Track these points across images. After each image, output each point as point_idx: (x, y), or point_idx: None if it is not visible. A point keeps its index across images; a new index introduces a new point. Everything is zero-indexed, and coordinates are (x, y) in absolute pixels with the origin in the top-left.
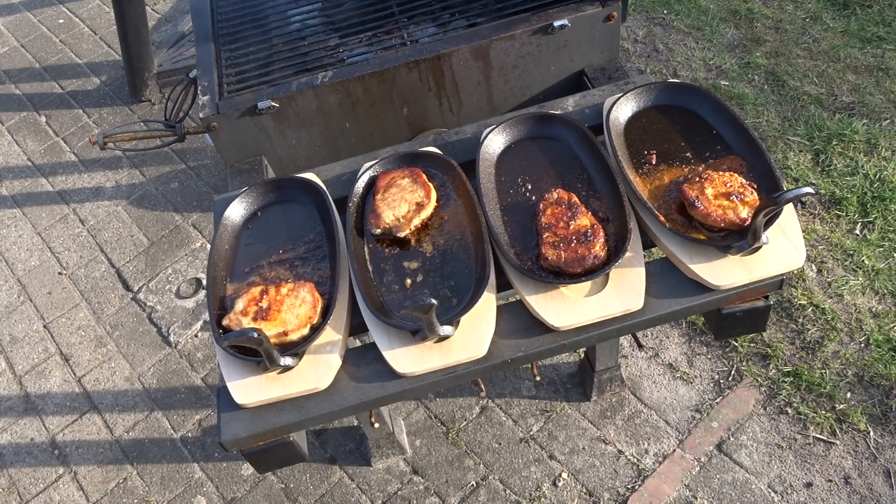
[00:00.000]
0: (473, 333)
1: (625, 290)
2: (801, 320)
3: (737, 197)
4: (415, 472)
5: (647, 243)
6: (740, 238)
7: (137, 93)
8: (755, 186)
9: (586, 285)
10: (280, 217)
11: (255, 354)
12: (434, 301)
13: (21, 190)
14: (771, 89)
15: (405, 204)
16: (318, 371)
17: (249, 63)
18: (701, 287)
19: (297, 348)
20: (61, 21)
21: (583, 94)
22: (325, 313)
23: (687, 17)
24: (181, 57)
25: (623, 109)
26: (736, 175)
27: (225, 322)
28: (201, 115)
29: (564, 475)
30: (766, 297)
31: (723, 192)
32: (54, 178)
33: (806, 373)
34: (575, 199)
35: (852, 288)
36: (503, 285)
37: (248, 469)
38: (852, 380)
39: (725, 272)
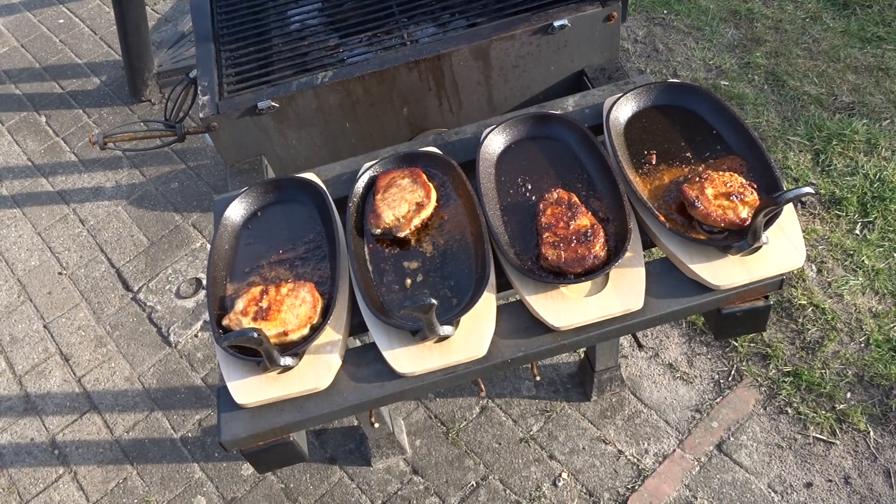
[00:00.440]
0: (473, 333)
1: (625, 290)
2: (801, 320)
3: (737, 197)
4: (415, 472)
5: (647, 243)
6: (740, 238)
7: (137, 93)
8: (755, 186)
9: (586, 285)
10: (280, 217)
11: (255, 354)
12: (434, 301)
13: (21, 190)
14: (771, 89)
15: (405, 204)
16: (318, 371)
17: (249, 63)
18: (701, 287)
19: (297, 348)
20: (61, 21)
21: (583, 94)
22: (325, 313)
23: (687, 17)
24: (181, 57)
25: (623, 109)
26: (736, 175)
27: (225, 322)
28: (201, 115)
29: (564, 475)
30: (766, 297)
31: (723, 192)
32: (54, 178)
33: (806, 373)
34: (575, 199)
35: (852, 288)
36: (503, 285)
37: (248, 469)
38: (852, 380)
39: (725, 272)
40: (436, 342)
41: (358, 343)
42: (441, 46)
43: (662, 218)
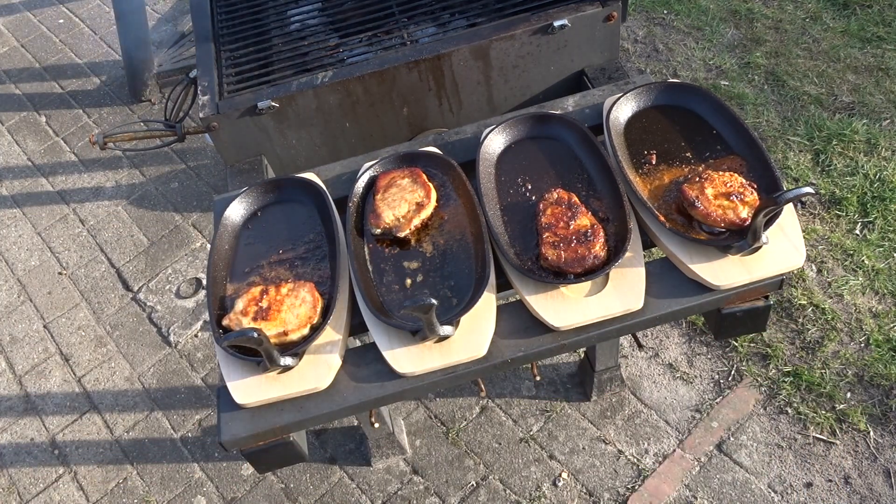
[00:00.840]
0: (473, 333)
1: (625, 290)
2: (801, 320)
3: (737, 197)
4: (415, 471)
5: (647, 243)
6: (740, 238)
7: (137, 93)
8: (755, 186)
9: (586, 285)
10: (280, 217)
11: (255, 354)
12: (434, 301)
13: (21, 190)
14: (771, 89)
15: (405, 204)
16: (318, 371)
17: (249, 63)
18: (701, 287)
19: (297, 348)
20: (61, 21)
21: (583, 94)
22: (325, 313)
23: (687, 17)
24: (181, 57)
25: (623, 109)
26: (736, 175)
27: (225, 322)
28: (201, 115)
29: (564, 475)
30: (766, 297)
31: (723, 192)
32: (54, 178)
33: (806, 373)
34: (575, 199)
35: (852, 288)
36: (503, 285)
37: (248, 469)
38: (852, 380)
39: (725, 272)
40: (436, 342)
41: (358, 343)
42: (441, 46)
43: (662, 218)
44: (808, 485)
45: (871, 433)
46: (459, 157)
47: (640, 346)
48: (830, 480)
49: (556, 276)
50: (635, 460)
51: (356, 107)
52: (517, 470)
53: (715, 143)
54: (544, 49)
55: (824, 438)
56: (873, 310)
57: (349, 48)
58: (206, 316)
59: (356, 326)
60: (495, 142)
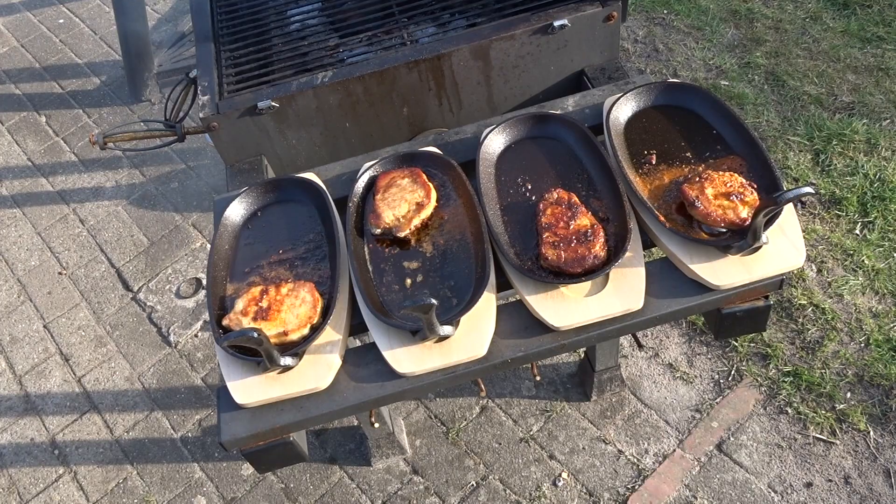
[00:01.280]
0: (473, 333)
1: (625, 290)
2: (801, 320)
3: (737, 197)
4: (415, 471)
5: (647, 243)
6: (740, 238)
7: (137, 93)
8: (755, 186)
9: (586, 285)
10: (280, 217)
11: (256, 354)
12: (434, 301)
13: (21, 190)
14: (771, 89)
15: (405, 204)
16: (318, 371)
17: (249, 63)
18: (701, 287)
19: (297, 348)
20: (61, 21)
21: (583, 94)
22: (325, 313)
23: (687, 17)
24: (181, 57)
25: (623, 109)
26: (736, 175)
27: (225, 322)
28: (201, 115)
29: (564, 475)
30: (766, 297)
31: (723, 192)
32: (54, 178)
33: (806, 373)
34: (575, 198)
35: (852, 288)
36: (503, 285)
37: (248, 469)
38: (852, 380)
39: (725, 272)
40: (436, 342)
41: (358, 343)
42: (441, 46)
43: (662, 218)
44: (808, 485)
45: (871, 433)
46: (459, 157)
47: (640, 346)
48: (830, 480)
49: (556, 275)
50: (635, 460)
51: (356, 107)
52: (517, 470)
53: (715, 143)
54: (544, 49)
55: (824, 438)
56: (873, 310)
57: (349, 48)
58: (206, 316)
59: (356, 326)
60: (495, 142)
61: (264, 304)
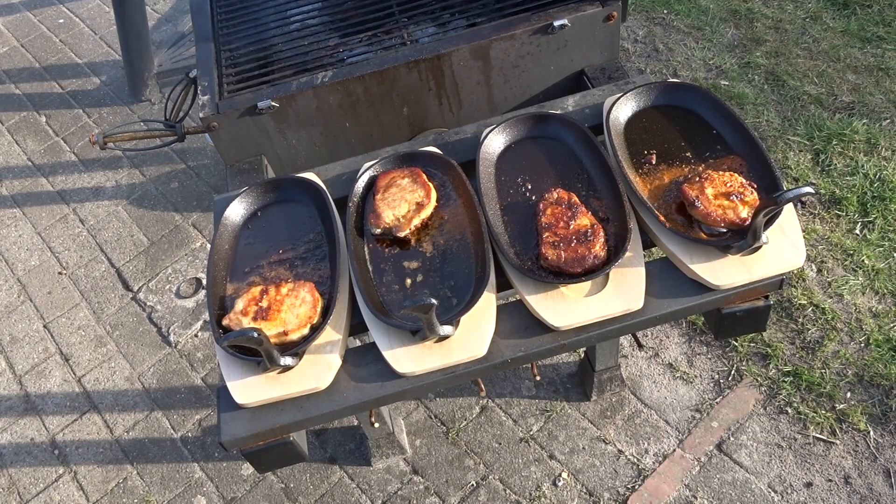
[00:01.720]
0: (473, 333)
1: (625, 290)
2: (801, 320)
3: (737, 197)
4: (415, 471)
5: (647, 243)
6: (740, 238)
7: (137, 93)
8: (755, 186)
9: (586, 285)
10: (280, 217)
11: (256, 354)
12: (434, 301)
13: (21, 190)
14: (771, 89)
15: (405, 204)
16: (318, 371)
17: (249, 63)
18: (701, 287)
19: (297, 348)
20: (61, 21)
21: (583, 94)
22: (325, 313)
23: (687, 17)
24: (181, 57)
25: (623, 109)
26: (736, 175)
27: (225, 322)
28: (201, 115)
29: (564, 475)
30: (766, 297)
31: (723, 192)
32: (54, 178)
33: (806, 372)
34: (575, 198)
35: (852, 288)
36: (503, 285)
37: (248, 469)
38: (852, 379)
39: (725, 272)
40: (436, 342)
41: (358, 343)
42: (441, 46)
43: (662, 218)
44: (808, 484)
45: (871, 433)
46: (459, 157)
47: (640, 345)
48: (830, 480)
49: (556, 275)
50: (635, 460)
51: (356, 107)
52: (517, 470)
53: (715, 142)
54: (544, 49)
55: (824, 438)
56: (873, 309)
57: (349, 48)
58: (206, 316)
59: (356, 326)
60: (495, 142)
61: (264, 303)
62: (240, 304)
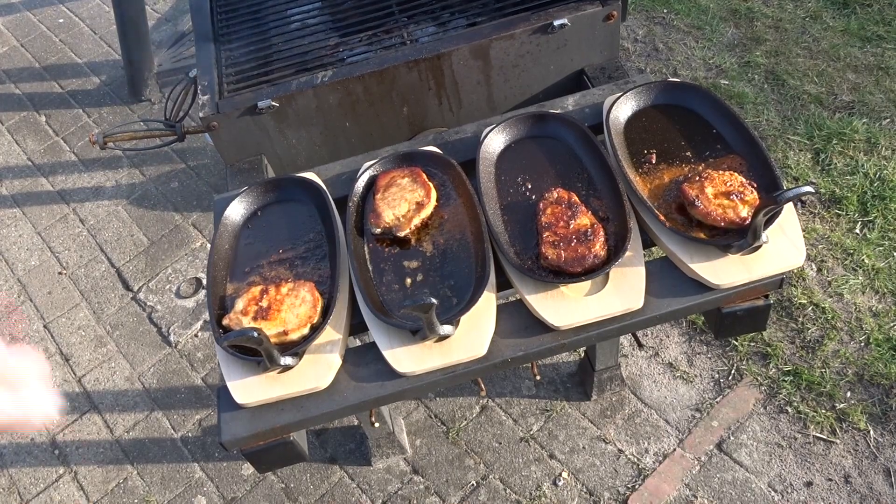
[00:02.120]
0: (473, 333)
1: (625, 290)
2: (801, 319)
3: (737, 196)
4: (415, 471)
5: (647, 242)
6: (740, 237)
7: (137, 92)
8: (755, 185)
9: (586, 284)
10: (280, 217)
11: (256, 354)
12: (434, 300)
13: (21, 189)
14: (771, 88)
15: (405, 203)
16: (318, 371)
17: (249, 62)
18: (701, 286)
19: (297, 348)
20: (61, 21)
21: (582, 94)
22: (325, 313)
23: (687, 17)
24: (181, 56)
25: (623, 109)
26: (736, 174)
27: (225, 322)
28: (201, 115)
29: (565, 474)
30: (766, 297)
31: (723, 192)
32: (54, 178)
33: (806, 372)
34: (575, 198)
35: (852, 287)
36: (503, 284)
37: (248, 469)
38: (852, 379)
39: (725, 271)
40: (436, 342)
41: (358, 343)
42: (441, 46)
43: (662, 217)
44: (809, 484)
45: (872, 432)
46: (459, 157)
47: (640, 345)
48: (830, 479)
49: (556, 275)
50: (635, 459)
51: (356, 106)
52: (517, 469)
53: (715, 142)
54: (544, 48)
55: (824, 437)
56: (873, 309)
57: (349, 47)
58: (207, 316)
59: (356, 326)
60: (495, 141)
61: (264, 303)
62: (240, 304)
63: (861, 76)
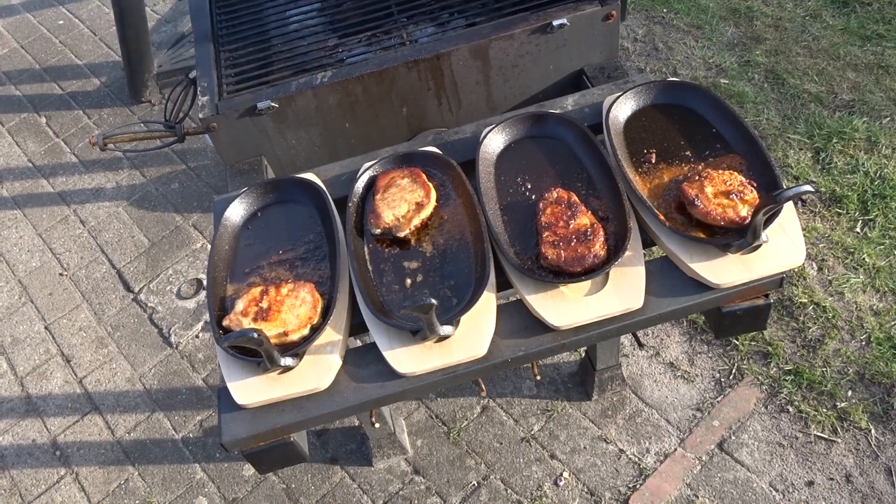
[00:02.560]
0: (473, 333)
1: (625, 289)
2: (801, 318)
3: (736, 195)
4: (416, 471)
5: (647, 242)
6: (740, 236)
7: (137, 93)
8: (755, 185)
9: (586, 284)
10: (280, 217)
11: (256, 355)
12: (434, 301)
13: (22, 191)
14: (771, 87)
15: (405, 204)
16: (318, 371)
17: (249, 63)
18: (701, 286)
19: (297, 349)
20: (61, 22)
21: (582, 94)
22: (326, 313)
23: (686, 16)
24: (181, 57)
25: (622, 108)
26: (736, 173)
27: (225, 323)
28: (201, 116)
29: (566, 474)
30: (767, 296)
31: (722, 191)
32: (55, 180)
33: (807, 371)
34: (574, 198)
35: (853, 286)
36: (503, 285)
37: (249, 470)
38: (853, 378)
39: (725, 271)
40: (436, 342)
41: (358, 343)
42: (440, 46)
43: (662, 217)
44: (810, 483)
45: (873, 431)
46: (459, 157)
47: (640, 345)
48: (832, 479)
49: (555, 275)
50: (636, 459)
51: (355, 107)
52: (518, 469)
53: (715, 141)
54: (543, 48)
55: (825, 437)
56: (874, 308)
57: (348, 48)
58: (207, 317)
59: (356, 326)
60: (495, 141)
61: (264, 304)
62: (240, 305)
63: (861, 75)
